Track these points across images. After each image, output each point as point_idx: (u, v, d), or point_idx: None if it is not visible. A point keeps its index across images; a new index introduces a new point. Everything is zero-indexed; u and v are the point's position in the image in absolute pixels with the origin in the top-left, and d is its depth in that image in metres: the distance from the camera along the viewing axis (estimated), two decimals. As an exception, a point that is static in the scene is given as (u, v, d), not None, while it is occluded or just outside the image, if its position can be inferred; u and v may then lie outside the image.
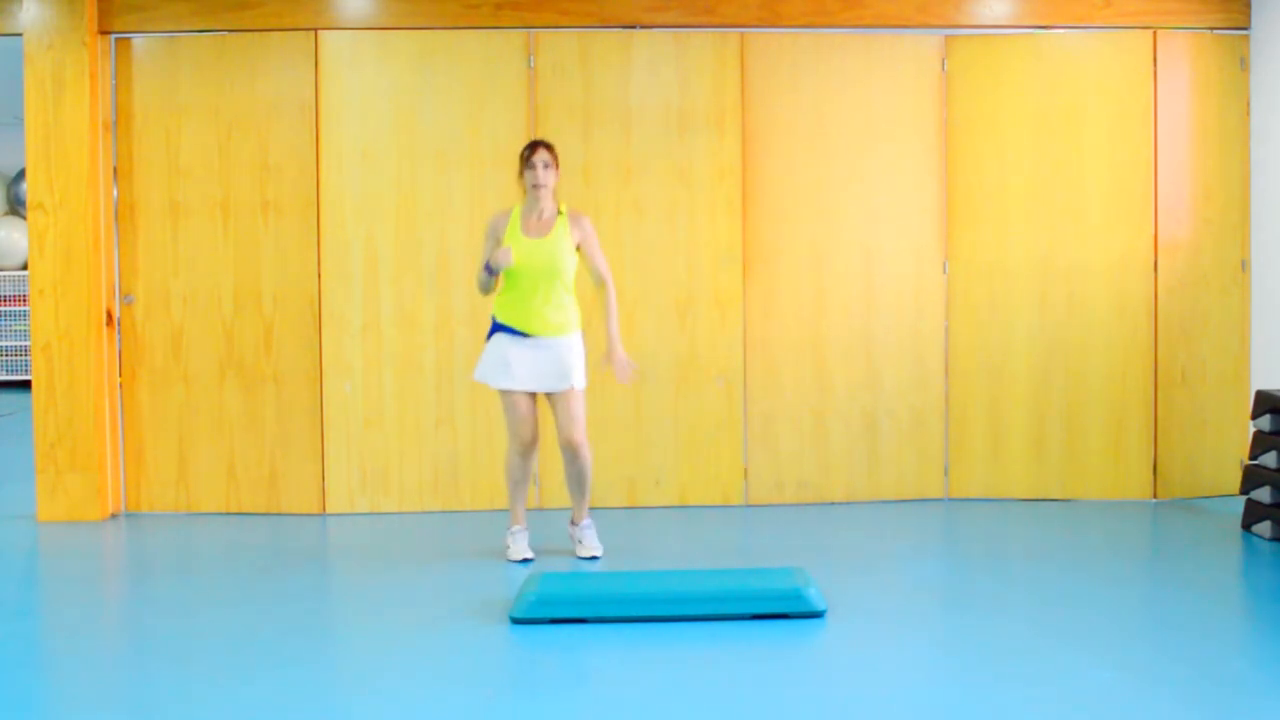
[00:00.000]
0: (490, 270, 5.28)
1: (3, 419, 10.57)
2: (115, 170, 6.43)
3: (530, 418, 5.37)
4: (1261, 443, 5.76)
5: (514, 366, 5.29)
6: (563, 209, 5.38)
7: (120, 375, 6.46)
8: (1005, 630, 4.42)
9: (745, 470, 6.52)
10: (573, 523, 5.61)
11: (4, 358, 12.55)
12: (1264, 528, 5.66)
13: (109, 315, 6.41)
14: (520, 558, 5.43)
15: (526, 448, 5.40)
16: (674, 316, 6.47)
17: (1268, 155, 6.43)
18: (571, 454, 5.39)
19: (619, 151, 6.42)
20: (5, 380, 12.50)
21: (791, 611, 4.51)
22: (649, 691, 3.87)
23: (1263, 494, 5.69)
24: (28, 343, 10.17)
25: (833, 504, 6.52)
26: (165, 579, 5.46)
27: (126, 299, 6.45)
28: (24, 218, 11.99)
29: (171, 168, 6.42)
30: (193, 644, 4.37)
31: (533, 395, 5.38)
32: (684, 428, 6.48)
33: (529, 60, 6.41)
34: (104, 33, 6.36)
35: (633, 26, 6.44)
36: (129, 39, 6.42)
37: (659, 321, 6.45)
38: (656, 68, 6.44)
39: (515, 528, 5.51)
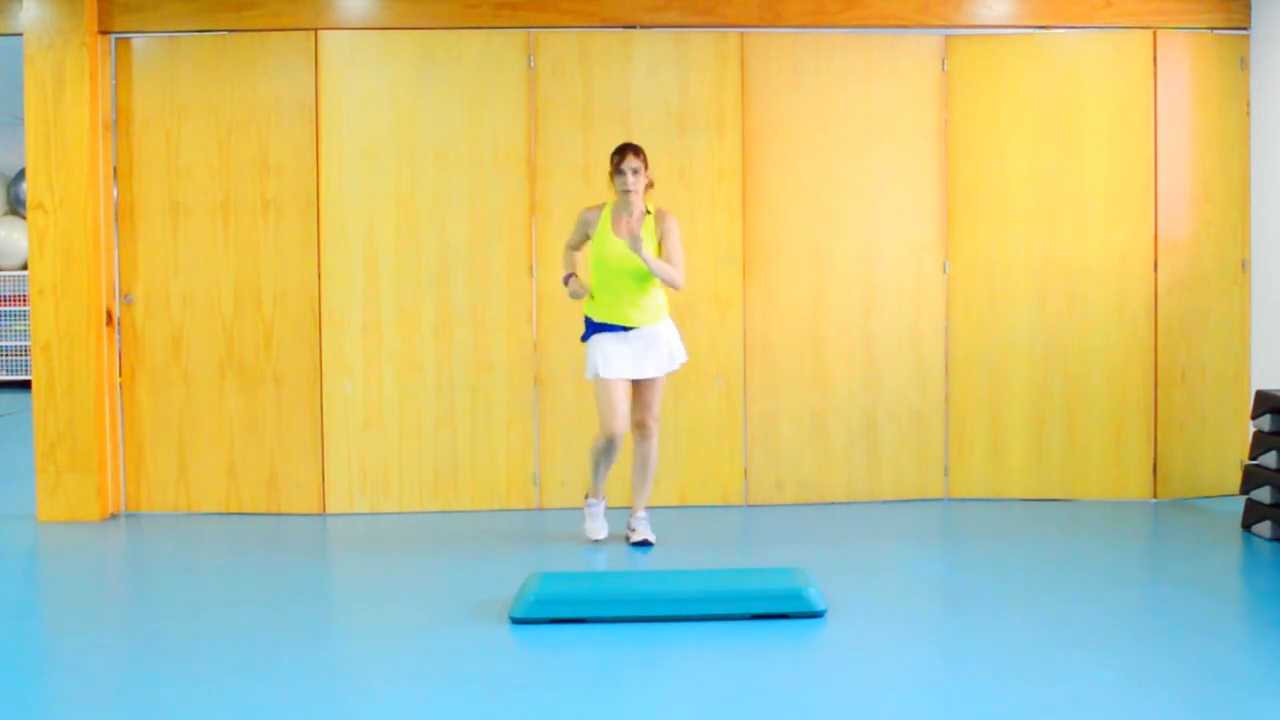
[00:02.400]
0: (569, 289, 5.65)
1: (3, 419, 10.57)
2: (115, 170, 6.43)
3: (623, 409, 5.53)
4: (1261, 443, 5.76)
5: (612, 357, 5.50)
6: (651, 209, 5.58)
7: (120, 375, 6.46)
8: (1005, 630, 4.42)
9: (745, 470, 6.52)
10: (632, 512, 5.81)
11: (4, 358, 12.55)
12: (1264, 528, 5.66)
13: (109, 315, 6.41)
14: (595, 537, 5.73)
15: (613, 438, 5.53)
16: (674, 316, 6.45)
17: (1268, 155, 6.43)
18: (642, 436, 5.68)
19: (619, 151, 6.42)
20: (5, 380, 12.50)
21: (791, 611, 4.51)
22: (649, 691, 3.87)
23: (1263, 494, 5.69)
24: (28, 343, 10.17)
25: (833, 504, 6.52)
26: (165, 579, 5.46)
27: (126, 299, 6.45)
28: (24, 218, 11.99)
29: (171, 168, 6.42)
30: (193, 644, 4.38)
31: (628, 389, 5.57)
32: (684, 428, 6.48)
33: (529, 60, 6.41)
34: (104, 33, 6.36)
35: (633, 26, 6.44)
36: (129, 39, 6.42)
37: (659, 321, 6.45)
38: (656, 68, 6.44)
39: (593, 500, 5.79)
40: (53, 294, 6.29)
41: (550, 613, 4.48)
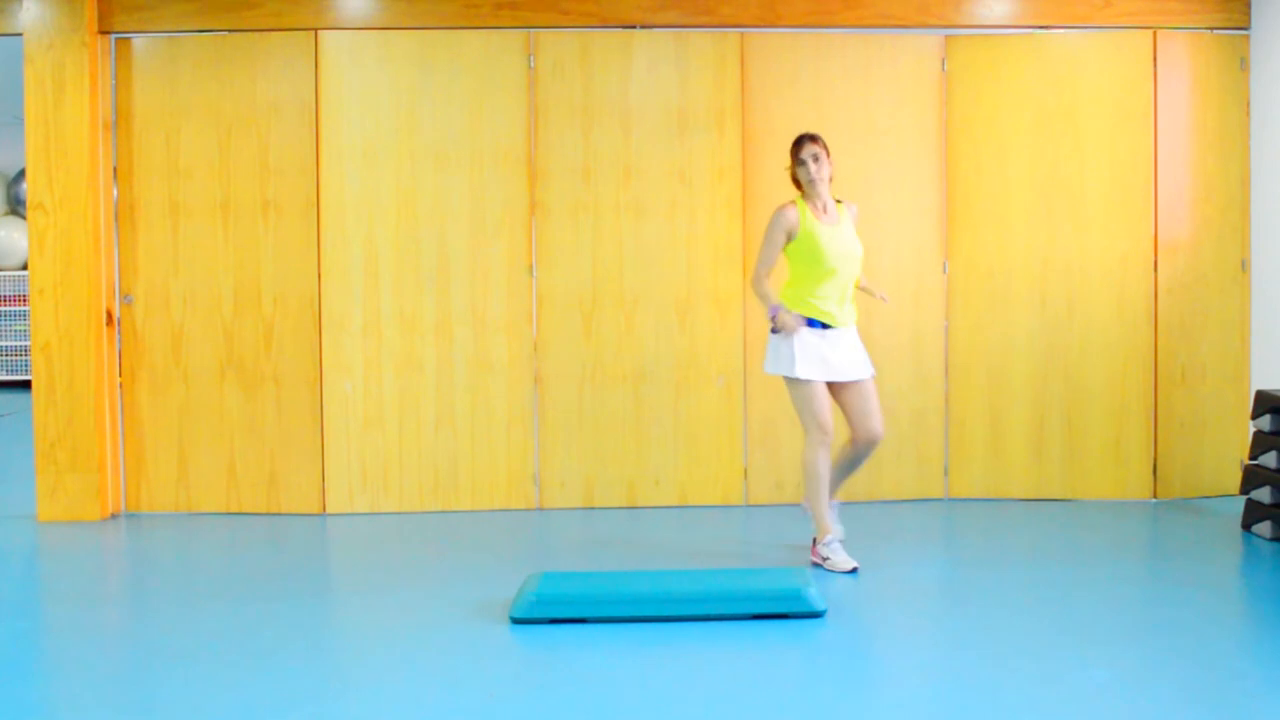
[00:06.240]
0: (779, 324, 5.19)
1: (3, 419, 10.57)
2: (115, 170, 6.43)
3: (830, 407, 5.28)
4: (1261, 443, 5.76)
5: (814, 358, 5.21)
6: (838, 198, 5.44)
7: (120, 375, 6.46)
8: (1005, 630, 4.42)
9: (745, 470, 6.52)
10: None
11: (4, 358, 12.55)
12: (1264, 528, 5.66)
13: (109, 315, 6.41)
14: (850, 567, 5.17)
15: (830, 438, 5.24)
16: (674, 316, 6.47)
17: (1268, 155, 6.43)
18: (869, 445, 5.37)
19: (619, 151, 6.43)
20: (5, 380, 12.50)
21: (791, 611, 4.51)
22: (649, 691, 3.87)
23: (1263, 494, 5.69)
24: (28, 343, 10.17)
25: (833, 504, 6.50)
26: (165, 579, 5.46)
27: (126, 299, 6.45)
28: (24, 218, 11.99)
29: (171, 168, 6.42)
30: (193, 644, 4.37)
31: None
32: (684, 428, 6.48)
33: (529, 60, 6.41)
34: (104, 33, 6.36)
35: (633, 26, 6.45)
36: (129, 39, 6.42)
37: (659, 321, 6.46)
38: (656, 68, 6.44)
39: (830, 537, 5.25)
40: (53, 294, 6.29)
41: (550, 613, 4.48)
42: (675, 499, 6.49)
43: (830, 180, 5.34)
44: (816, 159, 5.27)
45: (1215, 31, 6.52)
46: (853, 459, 5.47)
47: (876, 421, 5.34)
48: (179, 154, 6.42)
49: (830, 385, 5.32)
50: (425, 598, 4.91)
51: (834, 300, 5.28)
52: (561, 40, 6.41)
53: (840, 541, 5.29)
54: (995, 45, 6.50)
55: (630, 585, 4.65)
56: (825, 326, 5.26)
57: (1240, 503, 6.01)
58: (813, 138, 5.34)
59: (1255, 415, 5.81)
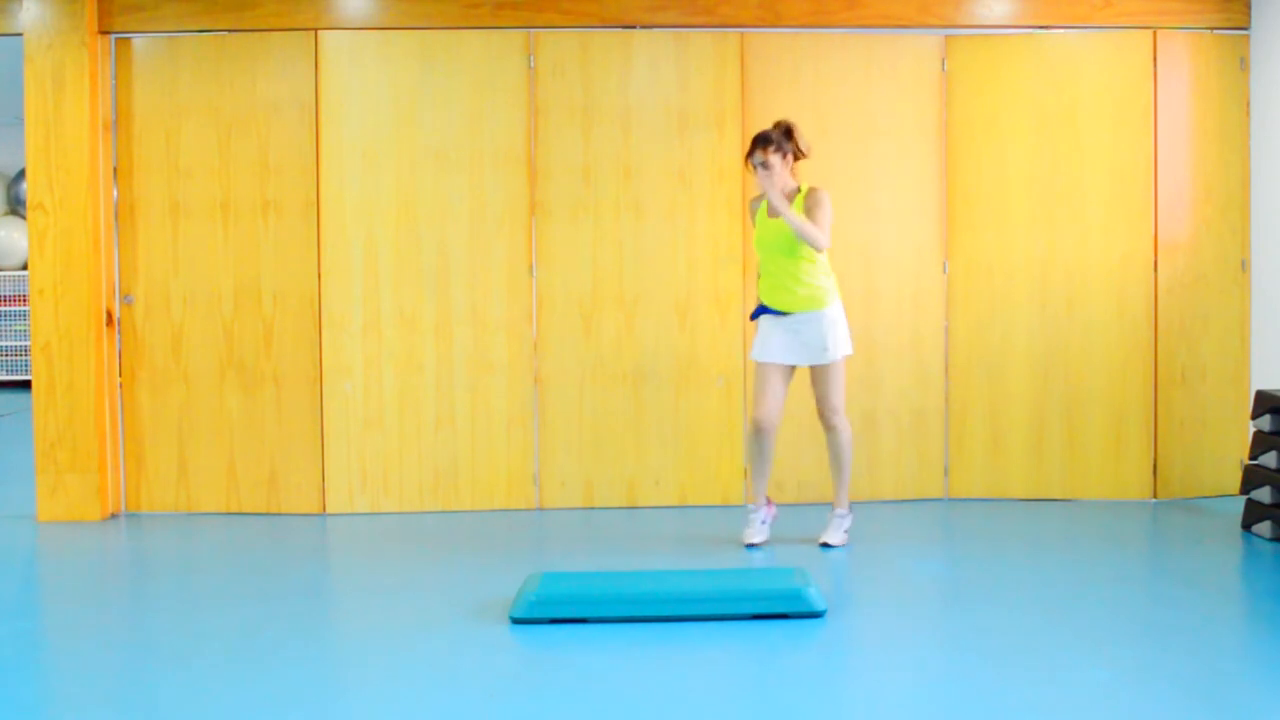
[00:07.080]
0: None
1: (3, 419, 10.57)
2: (115, 170, 6.43)
3: (773, 396, 5.53)
4: (1261, 443, 5.76)
5: (769, 340, 5.53)
6: (804, 187, 5.55)
7: (120, 375, 6.46)
8: (1005, 630, 4.42)
9: (745, 470, 6.51)
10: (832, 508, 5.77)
11: (4, 358, 12.55)
12: (1264, 528, 5.66)
13: (109, 315, 6.41)
14: (747, 541, 5.59)
15: (760, 425, 5.52)
16: (674, 316, 6.47)
17: (1268, 155, 6.43)
18: (826, 429, 5.66)
19: (619, 151, 6.43)
20: (5, 380, 12.50)
21: (791, 611, 4.51)
22: (649, 691, 3.87)
23: (1263, 494, 5.69)
24: (28, 343, 10.17)
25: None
26: (165, 579, 5.46)
27: (126, 299, 6.45)
28: (24, 218, 11.99)
29: (171, 168, 6.42)
30: (193, 644, 4.38)
31: (786, 375, 5.56)
32: (684, 428, 6.48)
33: (529, 60, 6.41)
34: (104, 33, 6.36)
35: (633, 26, 6.45)
36: (129, 39, 6.42)
37: (659, 321, 6.45)
38: (656, 68, 6.44)
39: (749, 504, 5.69)
40: (53, 294, 6.29)
41: (550, 613, 4.48)
42: (675, 499, 6.49)
43: (793, 166, 5.54)
44: (765, 166, 5.45)
45: (1215, 31, 6.52)
46: (829, 452, 5.70)
47: (828, 407, 5.58)
48: (179, 154, 6.42)
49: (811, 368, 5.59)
50: (425, 598, 4.91)
51: (773, 286, 5.54)
52: (561, 40, 6.41)
53: (761, 517, 5.65)
54: (995, 45, 6.50)
55: (630, 585, 4.65)
56: (778, 312, 5.52)
57: (1240, 503, 6.01)
58: (764, 142, 5.48)
59: (1255, 415, 5.81)
